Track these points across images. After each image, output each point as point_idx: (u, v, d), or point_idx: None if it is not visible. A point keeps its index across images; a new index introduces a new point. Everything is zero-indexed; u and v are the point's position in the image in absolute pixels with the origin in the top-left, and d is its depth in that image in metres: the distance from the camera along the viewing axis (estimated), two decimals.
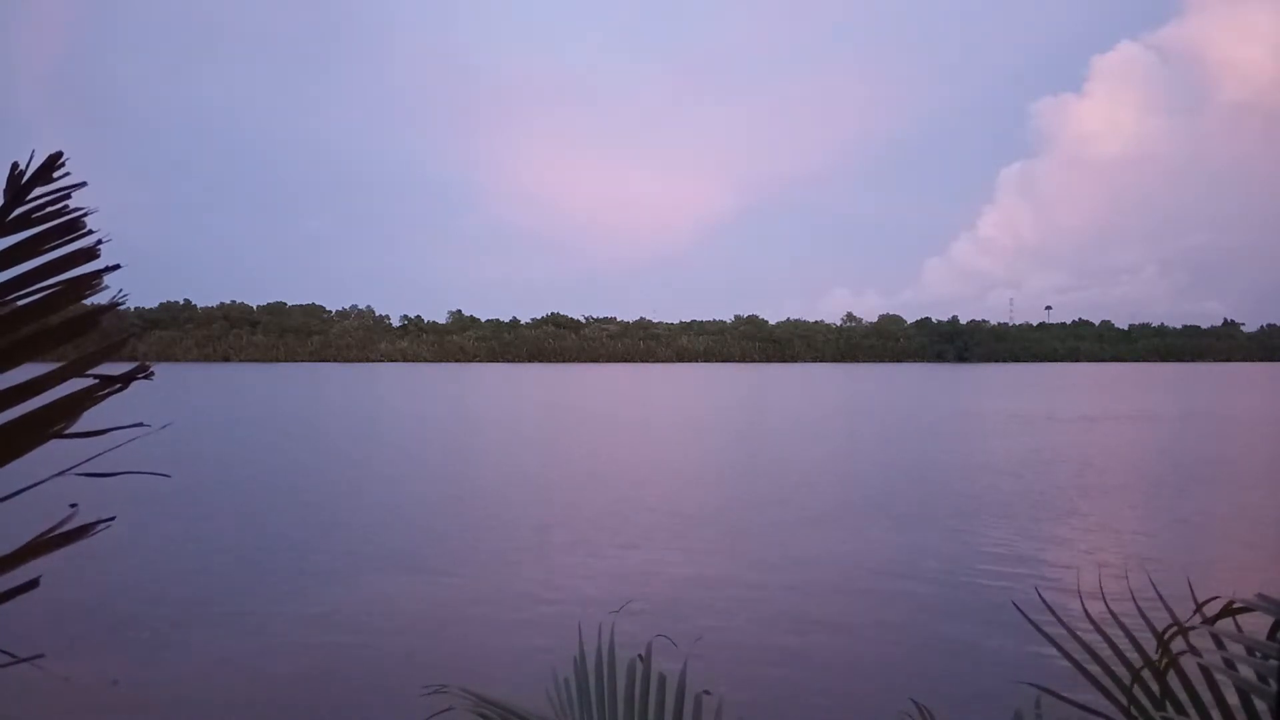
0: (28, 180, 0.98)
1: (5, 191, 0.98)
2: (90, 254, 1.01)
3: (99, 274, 1.02)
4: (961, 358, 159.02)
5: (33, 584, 1.03)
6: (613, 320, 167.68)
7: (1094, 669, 1.77)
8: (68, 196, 1.01)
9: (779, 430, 33.38)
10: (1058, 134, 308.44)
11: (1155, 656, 1.62)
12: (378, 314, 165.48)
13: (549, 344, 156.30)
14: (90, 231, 1.02)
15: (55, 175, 0.99)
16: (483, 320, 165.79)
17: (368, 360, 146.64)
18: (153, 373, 1.06)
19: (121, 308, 1.07)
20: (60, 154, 0.99)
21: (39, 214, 1.00)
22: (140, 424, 1.11)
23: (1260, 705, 1.49)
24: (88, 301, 1.03)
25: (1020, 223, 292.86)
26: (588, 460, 23.90)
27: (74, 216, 1.02)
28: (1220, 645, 1.60)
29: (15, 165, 0.98)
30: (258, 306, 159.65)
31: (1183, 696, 1.65)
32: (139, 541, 12.21)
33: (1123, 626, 1.86)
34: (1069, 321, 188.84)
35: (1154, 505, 16.46)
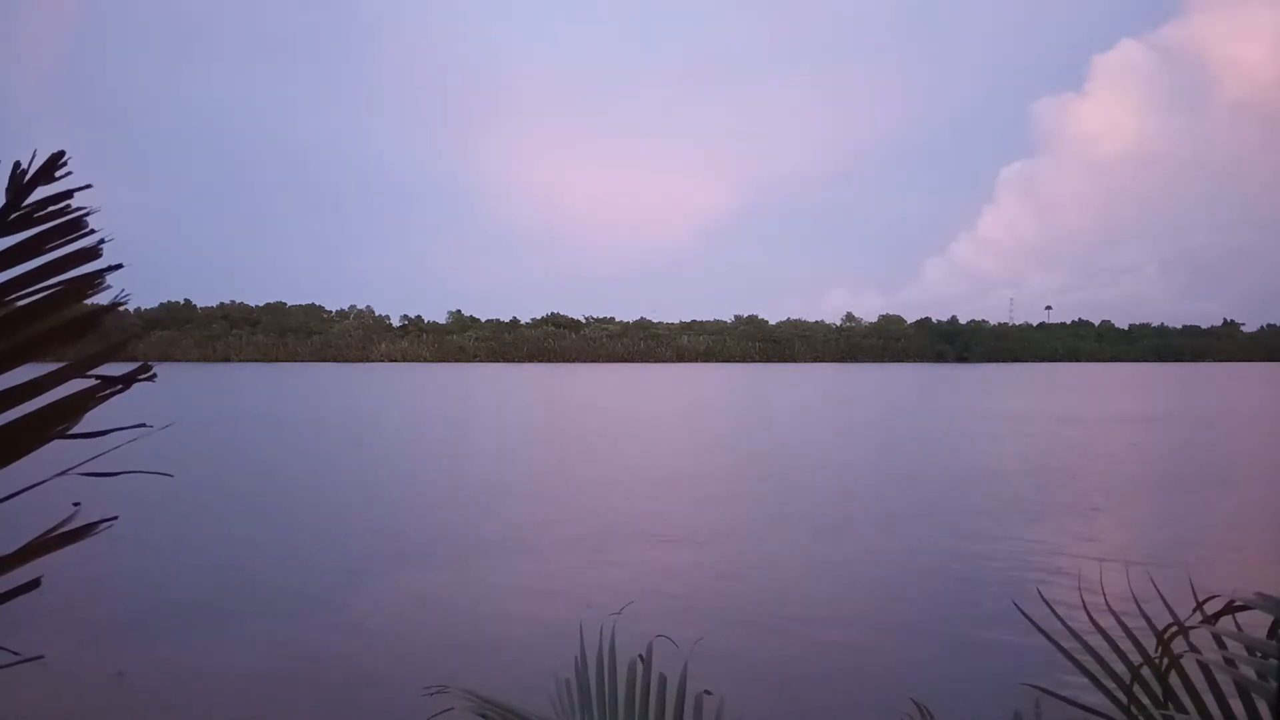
0: (29, 180, 0.98)
1: (7, 191, 0.98)
2: (92, 254, 1.01)
3: (101, 274, 1.02)
4: (961, 358, 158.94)
5: (34, 584, 1.04)
6: (613, 320, 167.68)
7: (1095, 668, 1.77)
8: (70, 196, 1.01)
9: (779, 431, 33.37)
10: (1058, 134, 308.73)
11: (1156, 655, 1.63)
12: (378, 314, 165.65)
13: (549, 344, 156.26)
14: (92, 231, 1.02)
15: (57, 175, 0.99)
16: (483, 320, 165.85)
17: (368, 360, 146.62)
18: (155, 373, 1.06)
19: (123, 308, 1.07)
20: (62, 153, 0.99)
21: (41, 213, 1.00)
22: (143, 424, 1.11)
23: (1261, 704, 1.49)
24: (89, 302, 1.03)
25: (1020, 223, 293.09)
26: (589, 461, 23.90)
27: (76, 216, 1.02)
28: (1220, 644, 1.60)
29: (17, 164, 0.98)
30: (258, 306, 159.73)
31: (1183, 695, 1.65)
32: (141, 541, 12.20)
33: (1123, 625, 1.86)
34: (1069, 321, 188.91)
35: (1155, 505, 16.46)
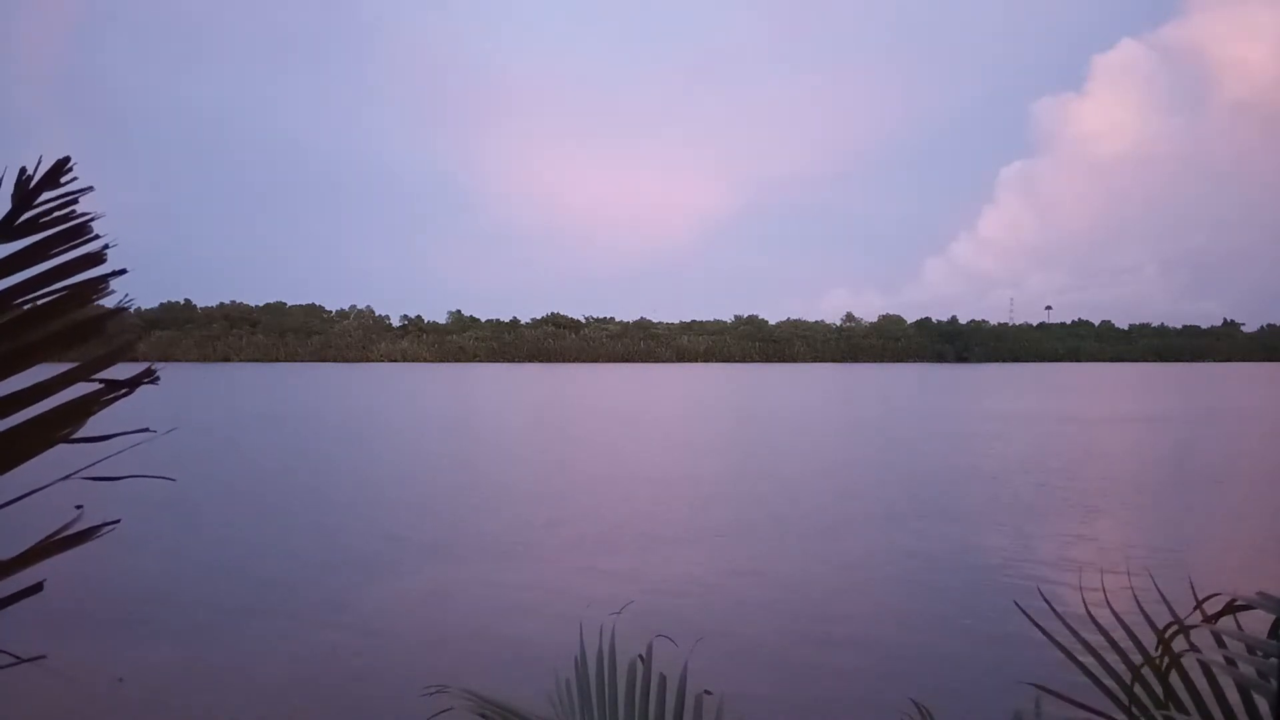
0: (35, 185, 0.98)
1: (12, 196, 0.99)
2: (97, 259, 1.01)
3: (105, 278, 1.02)
4: (961, 358, 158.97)
5: (37, 587, 1.04)
6: (612, 320, 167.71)
7: (1095, 668, 1.77)
8: (75, 201, 1.01)
9: (779, 431, 33.37)
10: (1058, 134, 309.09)
11: (1156, 655, 1.63)
12: (378, 314, 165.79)
13: (549, 344, 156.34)
14: (97, 236, 1.03)
15: (62, 180, 1.00)
16: (483, 320, 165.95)
17: (368, 360, 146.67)
18: (158, 377, 1.07)
19: (127, 311, 1.08)
20: (68, 159, 0.99)
21: (46, 219, 1.01)
22: (146, 429, 1.12)
23: (1261, 703, 1.50)
24: (94, 305, 1.03)
25: (1020, 223, 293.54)
26: (589, 461, 23.91)
27: (81, 221, 1.02)
28: (1221, 643, 1.60)
29: (23, 170, 0.98)
30: (258, 306, 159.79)
31: (1184, 695, 1.65)
32: (142, 542, 12.20)
33: (1124, 625, 1.86)
34: (1069, 321, 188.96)
35: (1155, 504, 16.46)
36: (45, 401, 1.01)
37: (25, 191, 0.97)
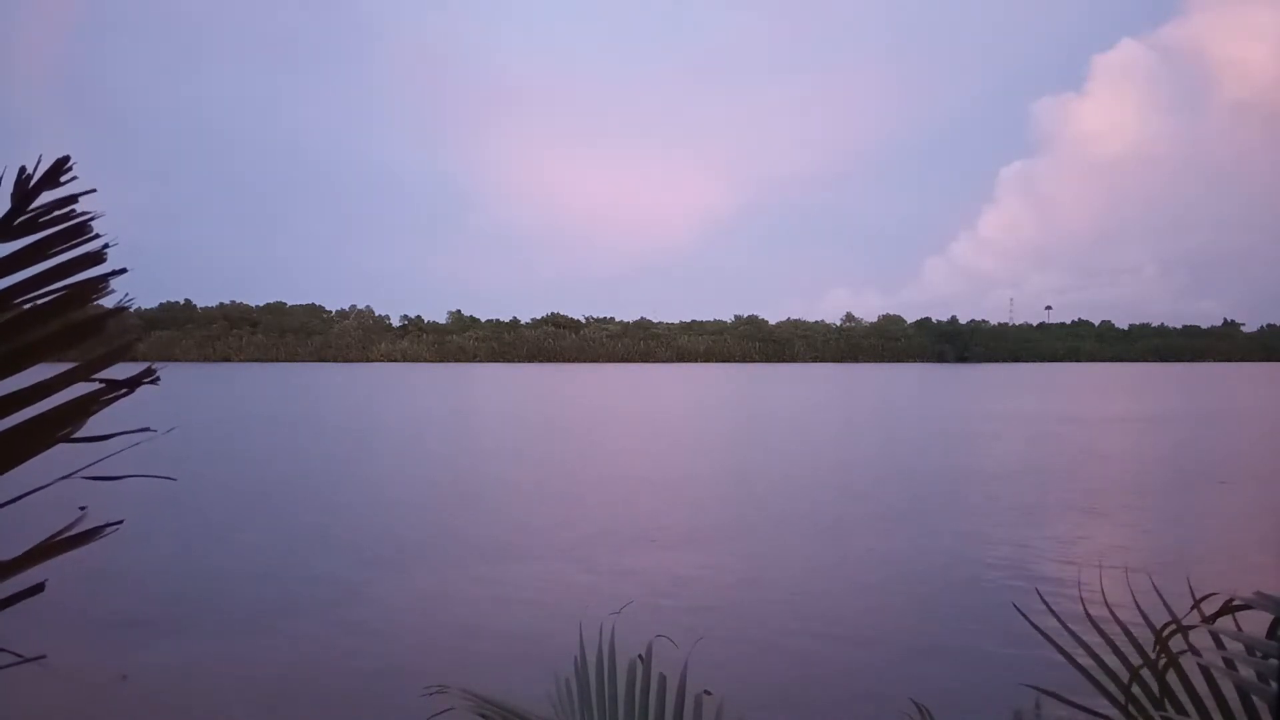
0: (35, 184, 0.98)
1: (12, 195, 0.99)
2: (97, 258, 1.01)
3: (105, 278, 1.03)
4: (961, 358, 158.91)
5: (38, 588, 1.04)
6: (613, 320, 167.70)
7: (1094, 668, 1.77)
8: (74, 200, 1.01)
9: (779, 432, 33.37)
10: (1058, 134, 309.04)
11: (1154, 655, 1.63)
12: (378, 314, 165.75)
13: (549, 344, 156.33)
14: (96, 235, 1.03)
15: (62, 180, 1.00)
16: (483, 320, 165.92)
17: (368, 360, 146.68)
18: (158, 376, 1.07)
19: (128, 311, 1.08)
20: (67, 158, 0.99)
21: (46, 218, 1.01)
22: (146, 429, 1.12)
23: (1259, 704, 1.50)
24: (95, 304, 1.03)
25: (1020, 223, 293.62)
26: (589, 462, 23.90)
27: (81, 220, 1.02)
28: (1219, 644, 1.60)
29: (23, 169, 0.98)
30: (258, 306, 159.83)
31: (1182, 695, 1.65)
32: (142, 542, 12.20)
33: (1122, 626, 1.86)
34: (1069, 321, 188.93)
35: (1155, 505, 16.46)
36: (45, 401, 1.01)
37: (25, 191, 0.97)
